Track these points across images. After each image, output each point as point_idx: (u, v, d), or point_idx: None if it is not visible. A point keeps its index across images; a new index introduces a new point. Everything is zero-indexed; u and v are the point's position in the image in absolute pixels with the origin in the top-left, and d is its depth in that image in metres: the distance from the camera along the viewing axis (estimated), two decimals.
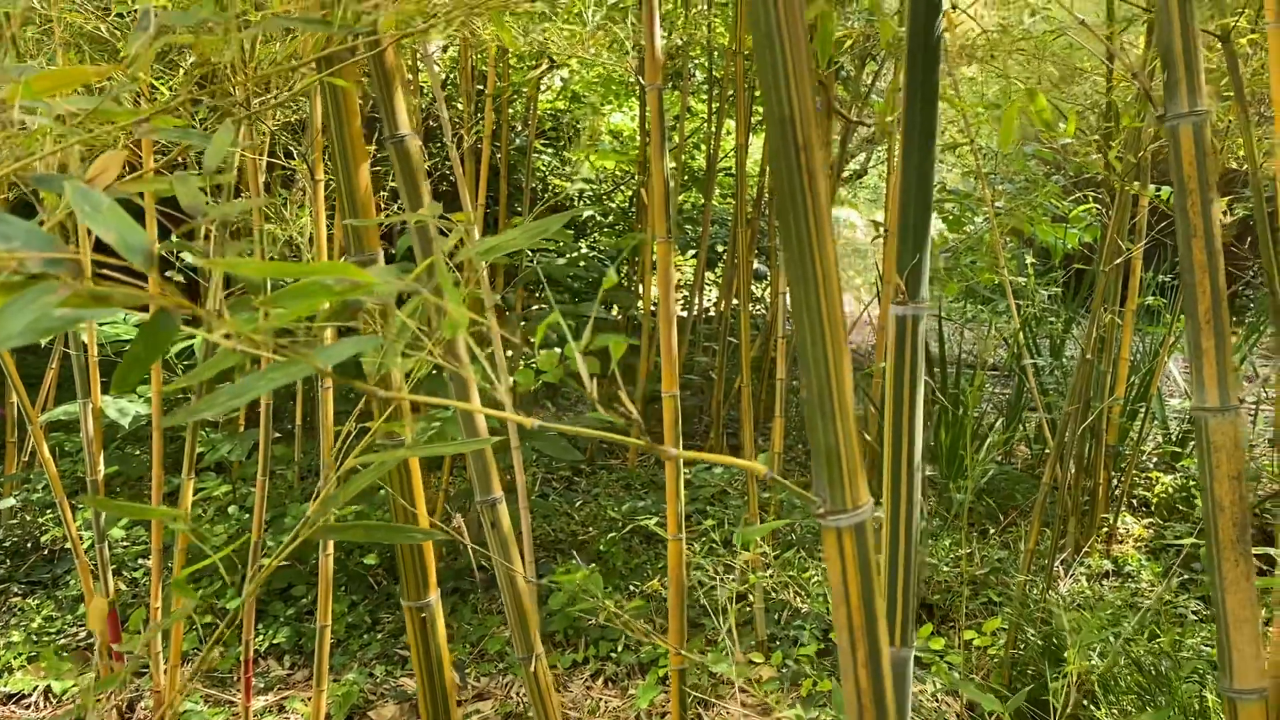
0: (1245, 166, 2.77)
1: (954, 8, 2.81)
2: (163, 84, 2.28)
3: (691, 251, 5.70)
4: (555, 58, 2.35)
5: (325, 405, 2.41)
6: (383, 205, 3.30)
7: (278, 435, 3.80)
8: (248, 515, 3.27)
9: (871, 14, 3.54)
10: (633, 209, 5.73)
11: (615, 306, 5.38)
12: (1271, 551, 1.77)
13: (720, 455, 0.57)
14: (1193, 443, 3.87)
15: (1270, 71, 2.44)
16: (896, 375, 0.87)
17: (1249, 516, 0.99)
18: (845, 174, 5.05)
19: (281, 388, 4.11)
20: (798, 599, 2.87)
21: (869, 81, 3.88)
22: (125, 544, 3.28)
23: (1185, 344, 1.07)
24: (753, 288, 5.49)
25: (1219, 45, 2.42)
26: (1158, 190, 3.20)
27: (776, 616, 2.83)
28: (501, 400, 0.53)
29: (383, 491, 1.23)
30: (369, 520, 3.10)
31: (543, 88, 4.43)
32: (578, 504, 3.71)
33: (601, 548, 3.22)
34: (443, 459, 3.32)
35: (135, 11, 2.43)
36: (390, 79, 1.25)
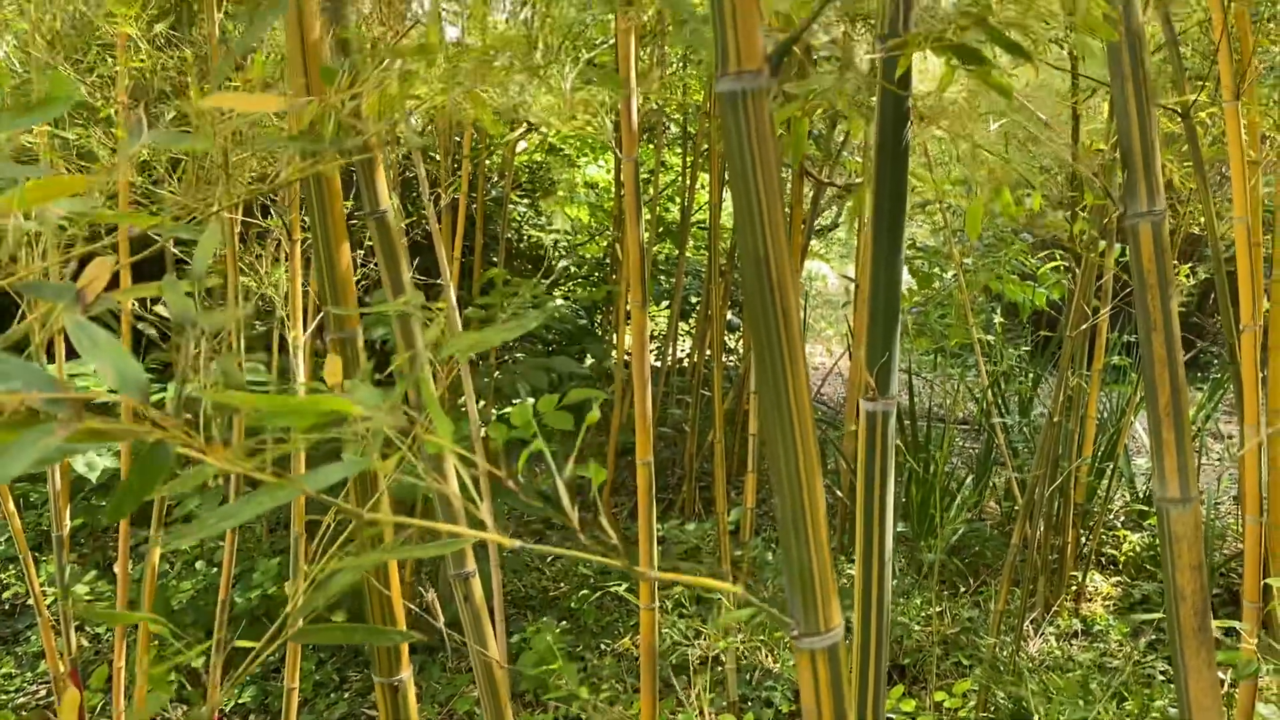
0: (1205, 232, 2.84)
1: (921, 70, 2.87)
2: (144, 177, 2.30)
3: (665, 303, 5.74)
4: (533, 122, 2.38)
5: (296, 462, 2.40)
6: (359, 263, 3.32)
7: (248, 488, 3.77)
8: (215, 570, 3.23)
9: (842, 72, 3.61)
10: (607, 260, 5.77)
11: (589, 356, 5.40)
12: (1238, 626, 1.79)
13: (694, 577, 0.58)
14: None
15: (1228, 144, 2.52)
16: (867, 470, 0.88)
17: (1210, 604, 1.01)
18: (817, 227, 5.12)
19: (250, 437, 4.09)
20: (770, 659, 2.86)
21: (840, 141, 3.95)
22: (90, 599, 3.23)
23: (1147, 423, 1.09)
24: (726, 339, 5.53)
25: (1179, 120, 2.49)
26: (1124, 251, 3.27)
27: (748, 677, 2.82)
28: (482, 515, 0.55)
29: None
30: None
31: (520, 146, 4.47)
32: (549, 559, 3.69)
33: (573, 605, 3.21)
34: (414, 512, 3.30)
35: (111, 68, 2.45)
36: (373, 158, 1.27)
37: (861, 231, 3.83)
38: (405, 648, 1.18)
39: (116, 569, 2.65)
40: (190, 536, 0.51)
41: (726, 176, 5.21)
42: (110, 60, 2.39)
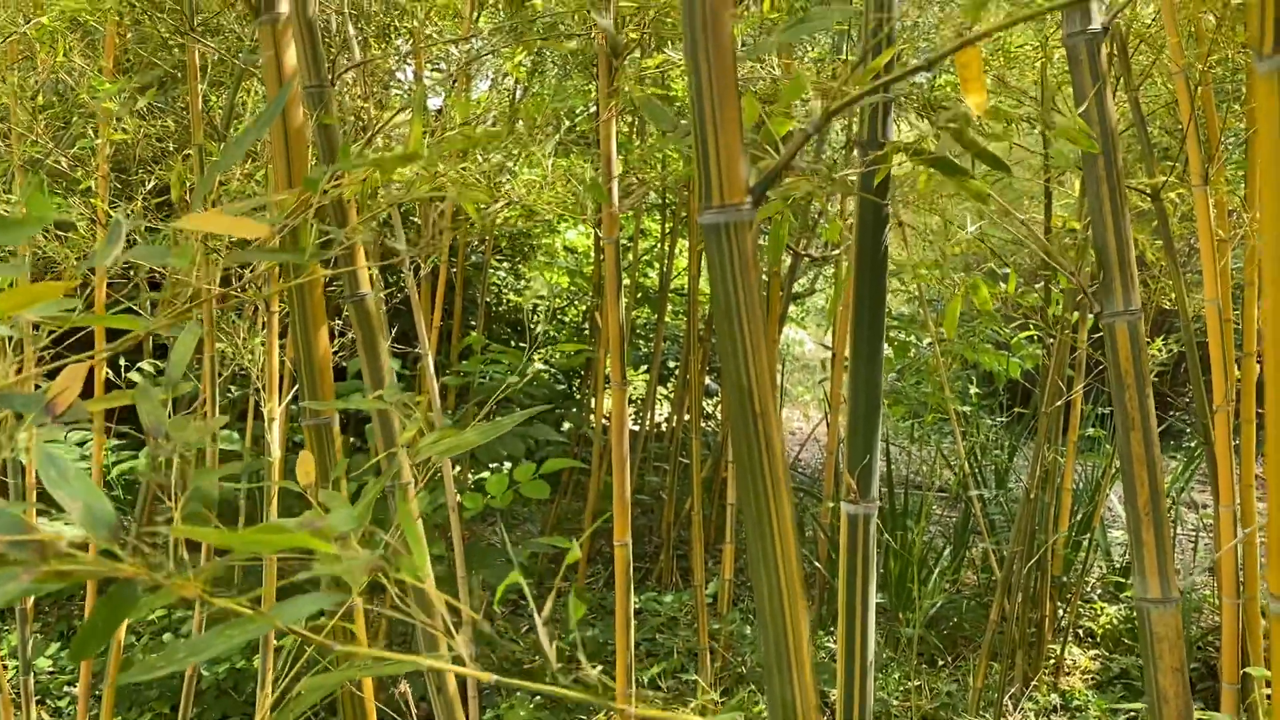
0: (1176, 307, 2.89)
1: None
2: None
3: (644, 367, 5.75)
4: (515, 199, 2.40)
5: (269, 574, 2.36)
6: (337, 332, 3.30)
7: (218, 554, 3.71)
8: (183, 641, 3.17)
9: (817, 154, 3.67)
10: (586, 324, 5.78)
11: (566, 421, 5.38)
12: (1218, 718, 1.78)
13: (681, 716, 0.57)
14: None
15: (1198, 226, 2.56)
16: (849, 572, 0.88)
17: (1192, 707, 1.00)
18: (795, 291, 5.15)
19: (223, 499, 4.03)
20: None
21: (816, 214, 3.99)
22: (51, 671, 3.15)
23: (1126, 530, 1.09)
24: (704, 404, 5.53)
25: (1150, 200, 2.54)
26: (1096, 324, 3.31)
27: None
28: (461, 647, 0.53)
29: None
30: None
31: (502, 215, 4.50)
32: (524, 629, 3.64)
33: (547, 680, 3.15)
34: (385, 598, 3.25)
35: (92, 140, 2.45)
36: (352, 246, 1.27)
37: (839, 300, 3.86)
38: None
39: None
40: (157, 673, 0.50)
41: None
42: (92, 132, 2.40)
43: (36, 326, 0.72)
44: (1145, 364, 1.03)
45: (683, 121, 0.72)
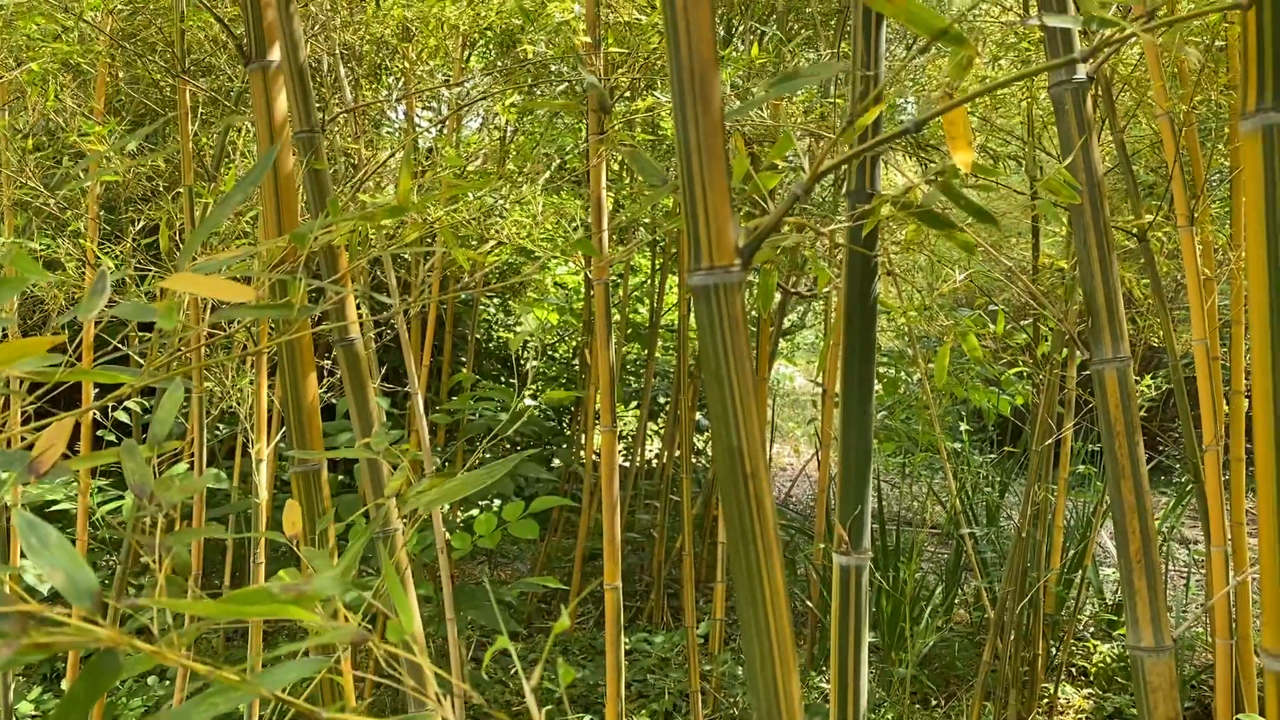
0: (1164, 345, 2.90)
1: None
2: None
3: (634, 404, 5.74)
4: (504, 239, 2.40)
5: (256, 578, 2.34)
6: (326, 371, 3.29)
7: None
8: (169, 683, 3.12)
9: (805, 195, 3.69)
10: (576, 361, 5.77)
11: (556, 458, 5.36)
12: None
13: None
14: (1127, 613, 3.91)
15: (1184, 266, 2.58)
16: (841, 622, 0.87)
17: None
18: (784, 329, 5.16)
19: (210, 543, 3.99)
20: None
21: (803, 256, 4.00)
22: (34, 716, 3.10)
23: (1120, 581, 1.09)
24: (695, 440, 5.51)
25: (1136, 241, 2.56)
26: (1085, 363, 3.32)
27: None
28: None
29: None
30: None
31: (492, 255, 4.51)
32: (511, 671, 3.60)
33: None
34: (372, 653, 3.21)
35: (82, 183, 2.45)
36: (344, 286, 1.26)
37: (828, 337, 3.87)
38: None
39: (65, 685, 2.56)
40: None
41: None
42: (82, 173, 2.40)
43: (22, 381, 0.71)
44: (1135, 411, 1.04)
45: (670, 171, 0.73)
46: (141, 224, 2.58)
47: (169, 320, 0.53)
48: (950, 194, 0.75)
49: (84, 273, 2.32)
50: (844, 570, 0.84)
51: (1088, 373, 3.17)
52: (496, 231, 2.00)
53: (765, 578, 0.54)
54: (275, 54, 1.21)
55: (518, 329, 5.94)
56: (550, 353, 6.14)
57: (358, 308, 1.73)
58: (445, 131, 3.30)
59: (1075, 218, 1.04)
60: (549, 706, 3.19)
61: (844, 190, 0.83)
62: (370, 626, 0.58)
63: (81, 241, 2.41)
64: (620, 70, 1.80)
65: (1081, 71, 1.04)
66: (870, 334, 0.85)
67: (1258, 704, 2.10)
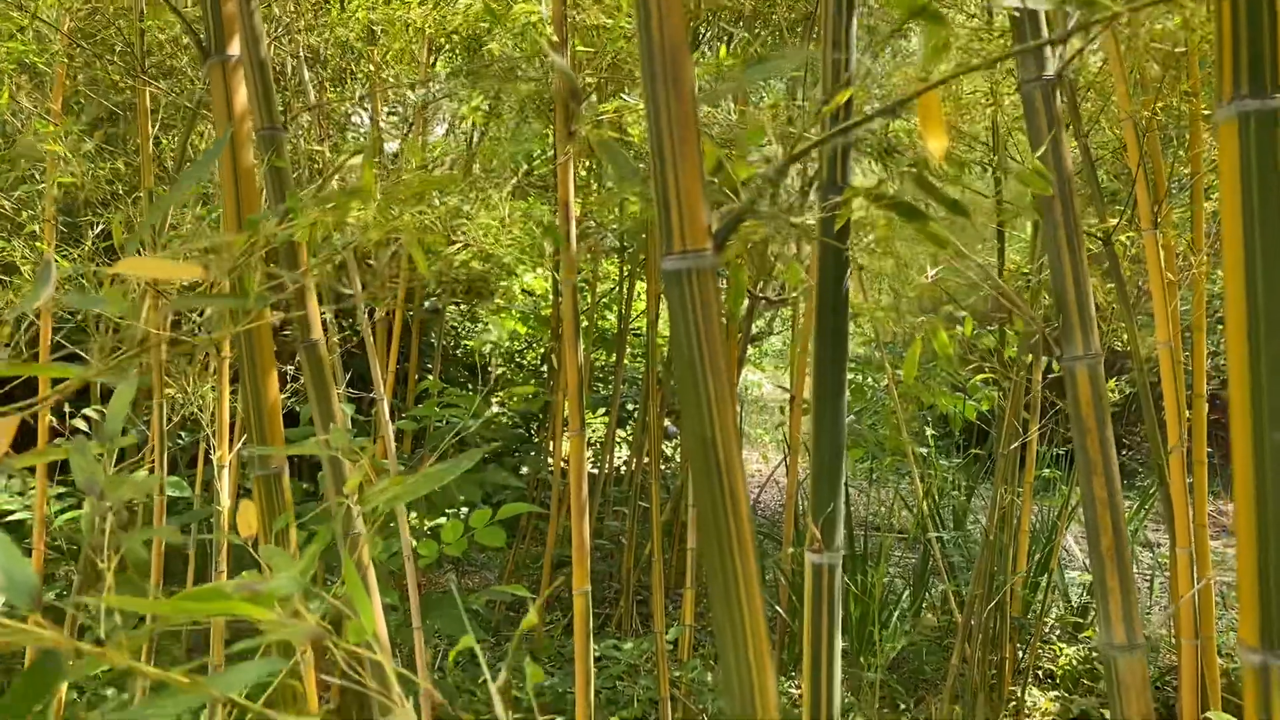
0: (1128, 347, 2.92)
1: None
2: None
3: (603, 410, 5.72)
4: (470, 241, 2.38)
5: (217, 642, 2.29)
6: (289, 377, 3.25)
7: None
8: (127, 696, 3.05)
9: (774, 198, 3.70)
10: (544, 368, 5.75)
11: (524, 466, 5.33)
12: None
13: None
14: (1093, 614, 3.93)
15: (1148, 269, 2.60)
16: (814, 621, 0.86)
17: None
18: (753, 332, 5.17)
19: (172, 547, 3.92)
20: None
21: (773, 255, 4.01)
22: None
23: (1093, 577, 1.08)
24: (663, 447, 5.50)
25: (1101, 244, 2.58)
26: (1050, 366, 3.35)
27: None
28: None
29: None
30: None
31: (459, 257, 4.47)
32: (481, 680, 3.56)
33: None
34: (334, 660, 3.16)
35: (37, 184, 2.41)
36: (303, 286, 1.24)
37: (796, 344, 3.87)
38: None
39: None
40: None
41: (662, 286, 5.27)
42: (38, 174, 2.35)
43: None
44: (1106, 407, 1.03)
45: (641, 166, 0.71)
46: (101, 228, 2.53)
47: (119, 306, 0.51)
48: (923, 185, 0.74)
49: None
50: (816, 569, 0.83)
51: (1053, 376, 3.18)
52: (463, 234, 1.98)
53: (739, 572, 0.53)
54: (235, 48, 1.18)
55: (485, 336, 5.91)
56: (518, 359, 6.11)
57: (322, 315, 1.70)
58: (411, 136, 3.27)
59: (1046, 215, 1.03)
60: (518, 715, 3.16)
61: (815, 185, 0.82)
62: (331, 629, 0.56)
63: (38, 245, 2.36)
64: (587, 71, 1.79)
65: (1051, 68, 1.04)
66: (842, 329, 0.84)
67: (1221, 703, 2.12)
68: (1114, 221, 2.55)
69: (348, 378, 3.14)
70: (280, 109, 1.45)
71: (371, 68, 3.00)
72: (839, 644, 0.85)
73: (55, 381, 2.52)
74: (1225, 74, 0.61)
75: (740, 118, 2.43)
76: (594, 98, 2.26)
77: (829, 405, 0.84)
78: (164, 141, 2.65)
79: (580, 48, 1.68)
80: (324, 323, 1.70)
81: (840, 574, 0.84)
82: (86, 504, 0.60)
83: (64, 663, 0.42)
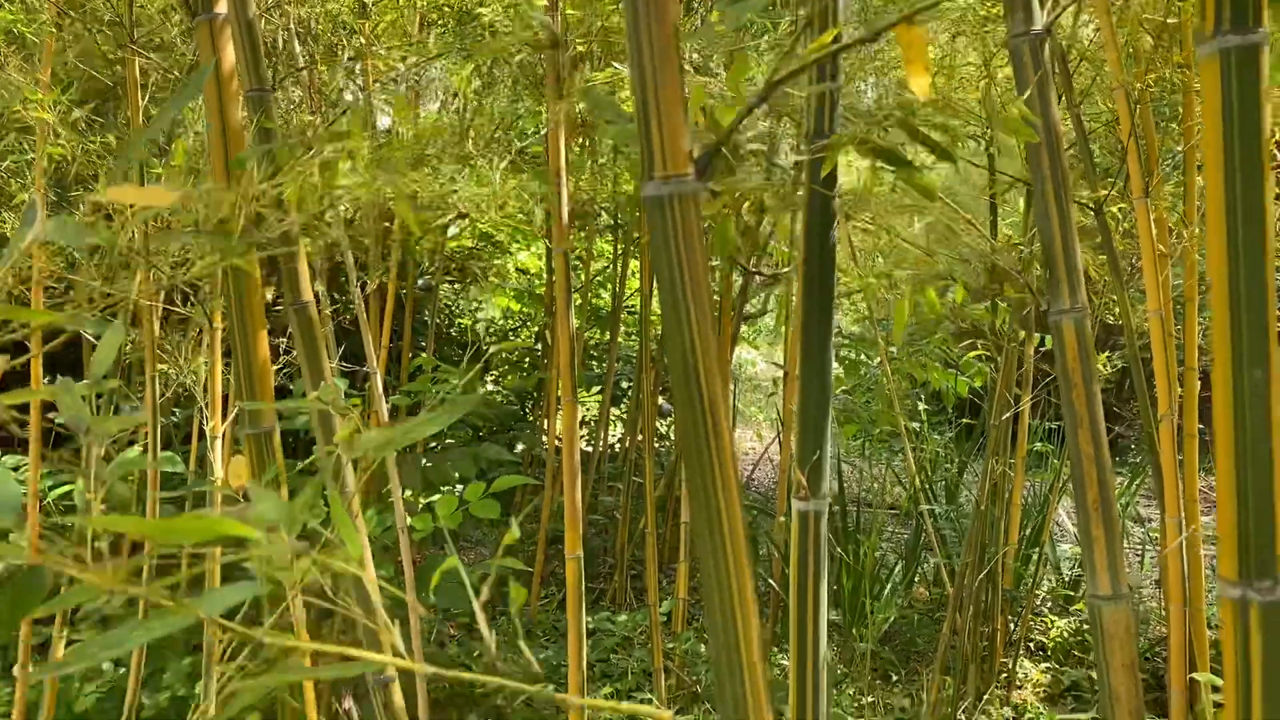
0: (1120, 321, 2.93)
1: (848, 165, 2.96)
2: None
3: (597, 388, 5.72)
4: (463, 211, 2.37)
5: (214, 557, 2.29)
6: (282, 350, 3.25)
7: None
8: (123, 671, 3.06)
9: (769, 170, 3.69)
10: (538, 346, 5.75)
11: (519, 444, 5.33)
12: None
13: (621, 704, 0.55)
14: (1084, 587, 3.96)
15: (1139, 238, 2.60)
16: (800, 568, 0.87)
17: (1144, 705, 1.00)
18: (746, 313, 5.18)
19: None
20: None
21: (767, 232, 4.01)
22: None
23: (1076, 526, 1.09)
24: (657, 424, 5.51)
25: (1092, 213, 2.58)
26: (1043, 340, 3.36)
27: None
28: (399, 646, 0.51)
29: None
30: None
31: (451, 231, 4.46)
32: (477, 654, 3.58)
33: (501, 701, 3.10)
34: (332, 622, 3.17)
35: (28, 154, 2.40)
36: (294, 248, 1.24)
37: (789, 321, 3.88)
38: None
39: (16, 672, 2.50)
40: (81, 663, 0.47)
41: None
42: (27, 146, 2.34)
43: None
44: (1092, 361, 1.04)
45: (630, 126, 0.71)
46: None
47: (101, 236, 0.51)
48: (909, 129, 0.74)
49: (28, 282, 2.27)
50: (803, 515, 0.83)
51: (1045, 350, 3.18)
52: (456, 202, 1.97)
53: (721, 501, 0.53)
54: (222, 7, 1.18)
55: (479, 315, 5.91)
56: (513, 337, 6.11)
57: (315, 292, 1.70)
58: (403, 108, 3.25)
59: (1034, 168, 1.04)
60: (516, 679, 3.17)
61: (804, 133, 0.82)
62: (317, 560, 0.56)
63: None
64: (577, 38, 1.78)
65: (1039, 23, 1.03)
66: (829, 281, 0.84)
67: (1209, 667, 2.14)
68: (1105, 192, 2.55)
69: (340, 351, 3.14)
70: (271, 77, 1.44)
71: (363, 41, 2.99)
72: (825, 590, 0.86)
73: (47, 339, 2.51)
74: (1208, 9, 0.61)
75: (730, 84, 2.43)
76: (585, 68, 2.25)
77: (815, 355, 0.85)
78: (155, 114, 2.63)
79: (570, 11, 1.67)
80: (316, 296, 1.70)
81: (826, 520, 0.85)
82: (80, 480, 0.60)
83: (45, 579, 0.42)
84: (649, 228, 0.56)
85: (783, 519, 3.42)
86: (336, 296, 3.60)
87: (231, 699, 0.71)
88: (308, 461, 0.85)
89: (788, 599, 3.77)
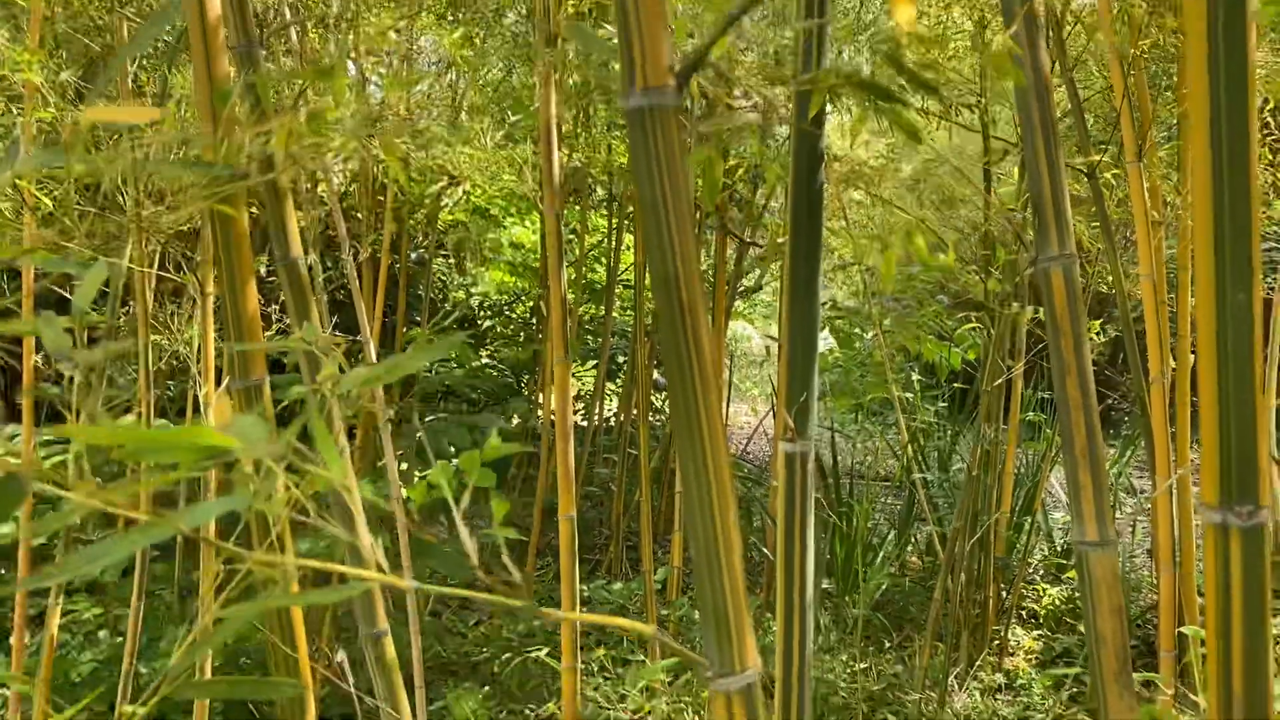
0: (1113, 290, 2.93)
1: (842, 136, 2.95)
2: (45, 193, 2.22)
3: (592, 362, 5.73)
4: (456, 176, 2.37)
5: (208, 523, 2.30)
6: (274, 319, 3.24)
7: (156, 552, 3.62)
8: (120, 639, 3.07)
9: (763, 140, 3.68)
10: (533, 320, 5.75)
11: (514, 417, 5.34)
12: (1155, 678, 1.81)
13: (608, 617, 0.55)
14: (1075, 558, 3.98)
15: (1132, 202, 2.60)
16: (787, 511, 0.87)
17: (1129, 649, 1.01)
18: (741, 289, 5.18)
19: (163, 498, 3.93)
20: None
21: (762, 203, 4.01)
22: None
23: (1063, 471, 1.10)
24: (652, 398, 5.52)
25: (1086, 180, 2.58)
26: (1037, 310, 3.36)
27: None
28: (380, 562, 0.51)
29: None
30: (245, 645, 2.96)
31: (444, 202, 4.45)
32: (472, 622, 3.60)
33: (495, 669, 3.12)
34: (328, 573, 3.19)
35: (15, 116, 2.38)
36: (281, 199, 1.23)
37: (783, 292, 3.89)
38: (312, 708, 1.12)
39: (12, 640, 2.51)
40: (57, 578, 0.47)
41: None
42: (14, 111, 2.32)
43: None
44: (1080, 310, 1.04)
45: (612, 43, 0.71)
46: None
47: (86, 160, 0.51)
48: (895, 64, 0.74)
49: (21, 213, 2.26)
50: (790, 457, 0.84)
51: (1037, 317, 3.18)
52: (443, 162, 1.97)
53: (702, 413, 0.53)
54: None
55: (473, 289, 5.90)
56: (507, 312, 6.10)
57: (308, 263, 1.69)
58: (393, 74, 3.24)
59: (1023, 118, 1.03)
60: (508, 654, 3.19)
61: (792, 70, 0.82)
62: (299, 476, 0.56)
63: (20, 183, 2.34)
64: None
65: None
66: (817, 221, 0.84)
67: (1199, 624, 2.15)
68: (1098, 158, 2.55)
69: (334, 321, 3.13)
70: (260, 34, 1.43)
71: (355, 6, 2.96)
72: (811, 533, 0.87)
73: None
74: None
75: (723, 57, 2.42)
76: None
77: (801, 300, 0.85)
78: (144, 79, 2.62)
79: None
80: (309, 266, 1.70)
81: (812, 463, 0.85)
82: (74, 446, 0.60)
83: (26, 486, 0.42)
84: (629, 141, 0.56)
85: (775, 484, 3.43)
86: (330, 266, 3.59)
87: (219, 628, 0.71)
88: (300, 394, 0.85)
89: (778, 578, 3.78)
